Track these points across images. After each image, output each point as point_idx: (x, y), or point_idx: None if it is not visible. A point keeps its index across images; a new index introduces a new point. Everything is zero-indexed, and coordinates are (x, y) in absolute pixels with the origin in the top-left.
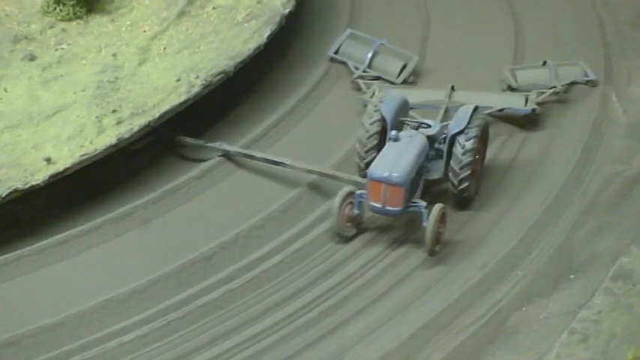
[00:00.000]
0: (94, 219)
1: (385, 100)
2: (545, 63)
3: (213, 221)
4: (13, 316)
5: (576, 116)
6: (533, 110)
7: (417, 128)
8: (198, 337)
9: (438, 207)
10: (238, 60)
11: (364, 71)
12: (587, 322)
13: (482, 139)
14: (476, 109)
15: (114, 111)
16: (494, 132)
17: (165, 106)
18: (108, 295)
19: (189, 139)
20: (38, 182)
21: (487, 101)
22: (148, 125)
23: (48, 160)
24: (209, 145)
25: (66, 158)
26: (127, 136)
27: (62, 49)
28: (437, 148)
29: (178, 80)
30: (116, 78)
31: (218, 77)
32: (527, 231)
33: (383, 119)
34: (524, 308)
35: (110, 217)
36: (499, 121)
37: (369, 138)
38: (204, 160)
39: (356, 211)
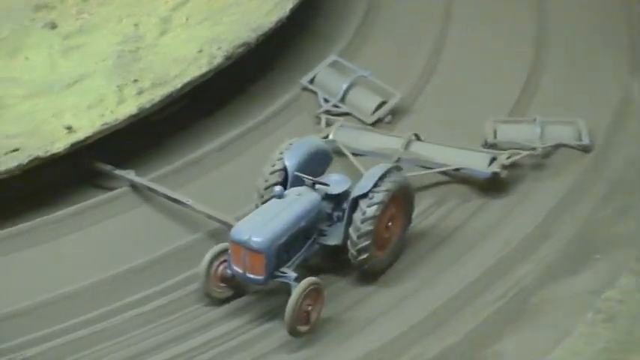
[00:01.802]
0: None
1: (292, 147)
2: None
3: (92, 257)
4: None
5: (552, 183)
6: (494, 174)
7: (312, 186)
8: None
9: (306, 282)
10: (260, 32)
11: (334, 105)
12: (612, 302)
13: (400, 205)
14: (391, 170)
15: (135, 81)
16: (450, 193)
17: (187, 77)
18: None
19: (99, 165)
20: (59, 150)
21: (445, 157)
22: (169, 95)
23: (69, 128)
24: (116, 172)
25: (87, 127)
26: (147, 106)
27: (83, 18)
28: (345, 210)
29: (200, 51)
30: (137, 48)
31: (240, 49)
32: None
33: (285, 170)
34: (547, 287)
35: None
36: (457, 182)
37: (266, 189)
38: (112, 189)
39: (230, 272)
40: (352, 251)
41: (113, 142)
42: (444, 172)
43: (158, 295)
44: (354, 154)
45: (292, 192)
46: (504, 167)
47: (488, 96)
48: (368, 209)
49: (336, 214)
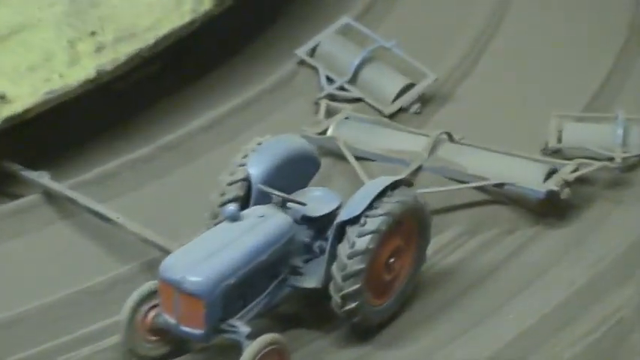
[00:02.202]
0: None
1: (260, 148)
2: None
3: None
4: None
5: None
6: (551, 193)
7: (283, 205)
8: None
9: (262, 341)
10: None
11: (341, 87)
12: None
13: (408, 236)
14: (396, 185)
15: (92, 34)
16: (488, 218)
17: (164, 29)
18: None
19: (6, 164)
20: None
21: (485, 166)
22: (138, 55)
23: (2, 97)
24: (25, 174)
25: (26, 96)
26: (109, 68)
27: None
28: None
29: None
30: None
31: None
32: None
33: (247, 180)
34: None
35: None
36: (499, 204)
37: (222, 206)
38: (17, 197)
39: (163, 320)
40: (336, 298)
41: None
42: (481, 188)
43: (62, 351)
44: (358, 158)
45: (253, 213)
46: (567, 184)
47: (556, 87)
48: (358, 240)
49: (317, 244)
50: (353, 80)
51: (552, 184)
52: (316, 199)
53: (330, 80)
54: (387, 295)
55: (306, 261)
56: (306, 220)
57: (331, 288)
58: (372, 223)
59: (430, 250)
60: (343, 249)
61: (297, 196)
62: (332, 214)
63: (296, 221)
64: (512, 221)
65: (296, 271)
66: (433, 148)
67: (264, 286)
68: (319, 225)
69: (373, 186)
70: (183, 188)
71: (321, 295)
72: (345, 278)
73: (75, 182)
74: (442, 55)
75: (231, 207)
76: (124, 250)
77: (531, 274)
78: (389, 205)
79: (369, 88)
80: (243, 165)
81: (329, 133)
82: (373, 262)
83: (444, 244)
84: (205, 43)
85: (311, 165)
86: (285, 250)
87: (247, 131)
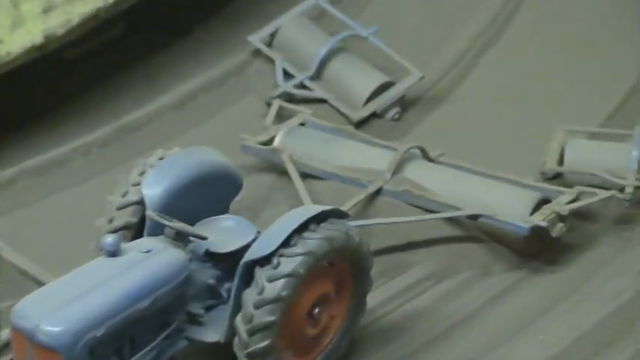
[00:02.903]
0: None
1: (160, 165)
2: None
3: None
4: None
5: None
6: (535, 229)
7: (179, 238)
8: None
9: None
10: None
11: (300, 84)
12: None
13: (339, 280)
14: (324, 216)
15: None
16: (459, 259)
17: None
18: None
19: None
20: None
21: (461, 192)
22: (95, 16)
23: None
24: None
25: None
26: (60, 32)
27: None
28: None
29: None
30: None
31: None
32: None
33: (142, 204)
34: None
35: None
36: (474, 241)
37: (112, 233)
38: None
39: None
40: (241, 357)
41: None
42: (452, 221)
43: None
44: (307, 177)
45: (138, 246)
46: (560, 218)
47: (568, 100)
48: (268, 285)
49: (225, 287)
50: (317, 76)
51: (539, 218)
52: (226, 231)
53: (288, 75)
54: (313, 354)
55: (210, 308)
56: (211, 257)
57: (235, 344)
58: (288, 264)
59: (382, 295)
60: (250, 296)
61: (204, 225)
62: (244, 251)
63: (199, 258)
64: (489, 264)
65: (195, 320)
66: (399, 167)
67: (150, 339)
68: (228, 263)
69: (292, 217)
70: (90, 202)
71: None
72: (252, 332)
73: (16, 170)
74: (433, 51)
75: (109, 238)
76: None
77: (509, 330)
78: (311, 242)
79: (336, 87)
80: (137, 184)
81: (275, 143)
82: (290, 313)
83: (401, 290)
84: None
85: (229, 186)
86: (177, 293)
87: (185, 134)
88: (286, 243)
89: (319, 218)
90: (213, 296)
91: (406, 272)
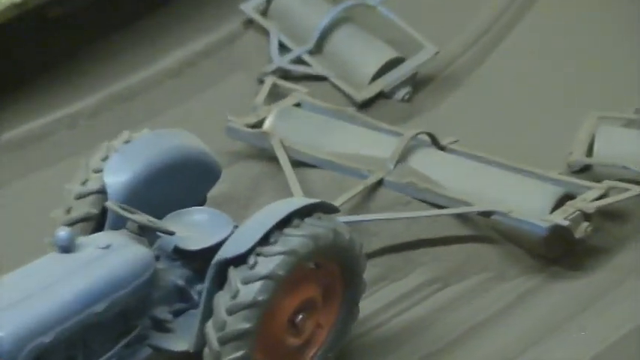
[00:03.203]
0: None
1: (125, 149)
2: None
3: None
4: None
5: None
6: (555, 229)
7: (144, 232)
8: None
9: None
10: None
11: (297, 59)
12: None
13: (327, 284)
14: (309, 210)
15: None
16: (471, 261)
17: None
18: None
19: None
20: None
21: (473, 185)
22: None
23: None
24: None
25: None
26: None
27: None
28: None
29: None
30: None
31: None
32: None
33: (104, 193)
34: None
35: None
36: (486, 242)
37: (71, 225)
38: None
39: None
40: None
41: None
42: (461, 218)
43: None
44: (299, 165)
45: (95, 242)
46: (585, 217)
47: (605, 84)
48: (243, 288)
49: (197, 289)
50: (317, 50)
51: (561, 217)
52: (199, 225)
53: (284, 48)
54: None
55: (178, 313)
56: (181, 255)
57: (206, 354)
58: (266, 264)
59: (379, 302)
60: (223, 300)
61: (173, 219)
62: (218, 248)
63: (167, 256)
64: (503, 267)
65: (161, 327)
66: (404, 155)
67: (108, 347)
68: (200, 262)
69: (272, 211)
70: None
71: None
72: (224, 341)
73: None
74: (451, 25)
75: (62, 232)
76: None
77: (523, 342)
78: (293, 239)
79: (339, 63)
80: (99, 171)
81: (265, 125)
82: (268, 321)
83: (401, 296)
84: None
85: (205, 175)
86: (140, 296)
87: (159, 115)
88: (265, 240)
89: (304, 212)
90: (182, 299)
91: (407, 276)
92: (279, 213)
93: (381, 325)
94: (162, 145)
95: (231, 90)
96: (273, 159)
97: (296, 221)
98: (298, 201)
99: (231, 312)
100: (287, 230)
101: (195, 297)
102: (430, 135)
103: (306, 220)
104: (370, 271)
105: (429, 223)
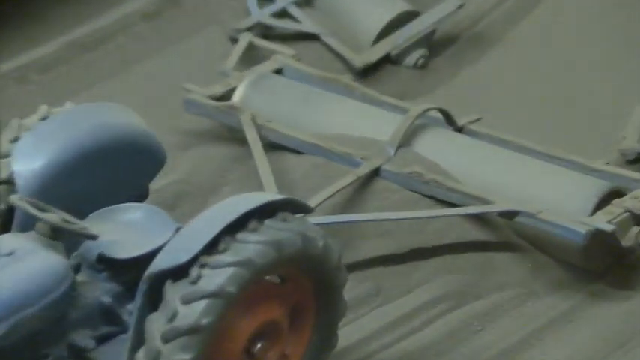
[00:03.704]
0: None
1: (39, 130)
2: None
3: None
4: None
5: None
6: (596, 235)
7: (56, 236)
8: None
9: None
10: None
11: (280, 11)
12: None
13: (296, 303)
14: (273, 209)
15: None
16: (489, 274)
17: None
18: None
19: None
20: None
21: (492, 177)
22: None
23: None
24: None
25: None
26: None
27: None
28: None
29: None
30: None
31: None
32: None
33: (12, 183)
34: None
35: None
36: (514, 250)
37: None
38: None
39: None
40: None
41: None
42: (477, 219)
43: None
44: (277, 148)
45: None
46: (635, 219)
47: None
48: (183, 309)
49: (128, 308)
50: (306, 1)
51: (604, 219)
52: (132, 227)
53: None
54: None
55: (103, 338)
56: (107, 265)
57: None
58: (213, 278)
59: (370, 326)
60: (157, 323)
61: (99, 218)
62: (154, 257)
63: (90, 266)
64: (530, 283)
65: (81, 356)
66: (408, 138)
67: None
68: (132, 274)
69: (222, 210)
70: None
71: None
72: None
73: None
74: None
75: None
76: None
77: None
78: (249, 246)
79: (334, 18)
80: (7, 156)
81: (235, 97)
82: (215, 350)
83: (398, 318)
84: None
85: (145, 161)
86: (53, 317)
87: (102, 81)
88: (212, 247)
89: (265, 212)
90: (108, 321)
91: (407, 293)
92: (232, 212)
93: (371, 355)
94: (87, 123)
95: (194, 51)
96: (244, 141)
97: (253, 223)
98: (257, 197)
99: (167, 339)
100: (241, 235)
101: (126, 318)
102: (444, 112)
103: (267, 222)
104: (356, 287)
105: (437, 226)
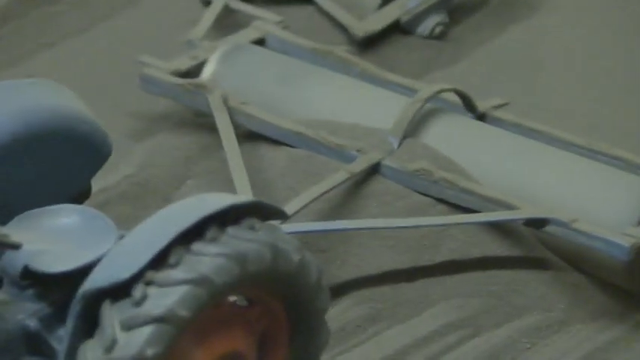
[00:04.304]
0: None
1: None
2: None
3: None
4: None
5: None
6: (637, 251)
7: None
8: None
9: None
10: None
11: None
12: None
13: (267, 329)
14: (242, 213)
15: None
16: (513, 295)
17: None
18: None
19: None
20: None
21: (519, 177)
22: None
23: None
24: None
25: None
26: None
27: None
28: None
29: None
30: None
31: None
32: None
33: None
34: None
35: None
36: (543, 268)
37: None
38: None
39: None
40: None
41: None
42: (496, 226)
43: None
44: (250, 135)
45: None
46: None
47: None
48: (124, 336)
49: (60, 333)
50: None
51: None
52: (67, 235)
53: None
54: None
55: None
56: (35, 281)
57: None
58: (160, 299)
59: (368, 355)
60: (92, 353)
61: (25, 222)
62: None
63: (12, 282)
64: (564, 308)
65: None
66: (414, 126)
67: None
68: (64, 292)
69: (175, 215)
70: None
71: None
72: None
73: None
74: None
75: None
76: None
77: None
78: (206, 260)
79: None
80: None
81: (204, 73)
82: None
83: (402, 348)
84: None
85: (85, 153)
86: None
87: (46, 50)
88: (161, 260)
89: (228, 218)
90: (34, 350)
91: (413, 317)
92: (186, 217)
93: None
94: (12, 104)
95: (158, 13)
96: (213, 127)
97: (212, 231)
98: (218, 199)
99: None
100: (197, 246)
101: (55, 347)
102: (461, 94)
103: (230, 230)
104: (351, 310)
105: (449, 236)
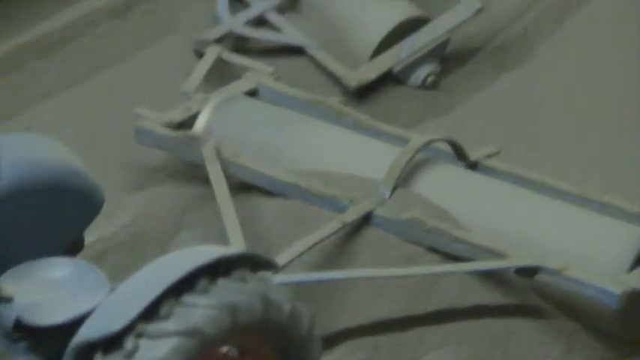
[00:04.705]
0: None
1: None
2: None
3: None
4: None
5: None
6: (628, 298)
7: None
8: None
9: None
10: None
11: (259, 19)
12: None
13: None
14: (233, 265)
15: None
16: (505, 342)
17: None
18: None
19: None
20: None
21: (510, 224)
22: None
23: None
24: None
25: None
26: None
27: None
28: None
29: None
30: None
31: None
32: None
33: None
34: None
35: None
36: (533, 317)
37: None
38: None
39: None
40: None
41: None
42: (488, 274)
43: None
44: (246, 188)
45: None
46: None
47: None
48: None
49: None
50: (289, 5)
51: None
52: (59, 288)
53: (239, 2)
54: None
55: None
56: (27, 334)
57: None
58: (152, 350)
59: None
60: None
61: (18, 276)
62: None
63: (4, 334)
64: (557, 355)
65: None
66: (407, 175)
67: None
68: (56, 345)
69: (166, 267)
70: None
71: None
72: None
73: None
74: None
75: None
76: None
77: None
78: (197, 312)
79: (324, 26)
80: None
81: (197, 125)
82: None
83: None
84: None
85: (77, 207)
86: None
87: (37, 104)
88: (152, 313)
89: (218, 270)
90: None
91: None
92: (177, 269)
93: None
94: (5, 158)
95: (152, 66)
96: (207, 179)
97: (203, 283)
98: (208, 251)
99: None
100: (188, 298)
101: None
102: (453, 143)
103: (221, 281)
104: (347, 358)
105: (442, 284)
